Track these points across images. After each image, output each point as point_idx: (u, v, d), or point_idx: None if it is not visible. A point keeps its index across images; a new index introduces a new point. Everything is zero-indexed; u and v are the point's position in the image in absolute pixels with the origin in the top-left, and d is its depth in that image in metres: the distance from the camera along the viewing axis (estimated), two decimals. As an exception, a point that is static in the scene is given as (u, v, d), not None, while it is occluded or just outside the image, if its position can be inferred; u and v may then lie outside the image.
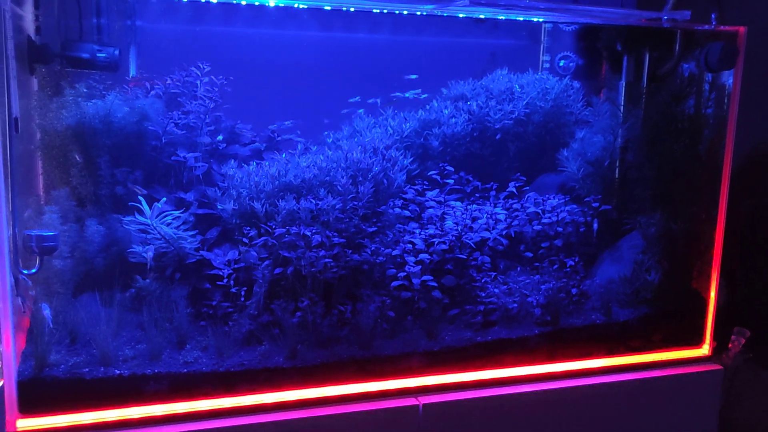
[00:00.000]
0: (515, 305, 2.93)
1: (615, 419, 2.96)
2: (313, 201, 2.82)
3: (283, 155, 3.11)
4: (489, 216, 3.11)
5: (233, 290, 2.72)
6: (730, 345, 3.39)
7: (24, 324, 2.57)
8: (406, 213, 3.04)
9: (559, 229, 3.15)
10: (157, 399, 2.46)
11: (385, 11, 2.91)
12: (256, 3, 2.67)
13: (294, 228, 2.75)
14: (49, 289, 2.61)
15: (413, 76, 3.51)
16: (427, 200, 3.15)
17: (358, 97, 3.45)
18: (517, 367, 2.87)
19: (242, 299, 2.71)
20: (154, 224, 2.72)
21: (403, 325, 2.83)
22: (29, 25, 2.75)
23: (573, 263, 3.09)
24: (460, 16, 2.95)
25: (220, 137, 3.14)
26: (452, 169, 3.32)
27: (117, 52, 2.79)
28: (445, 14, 2.87)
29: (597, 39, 3.45)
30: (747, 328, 3.40)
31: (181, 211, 2.84)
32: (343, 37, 3.40)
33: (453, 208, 3.14)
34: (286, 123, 3.37)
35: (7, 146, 2.33)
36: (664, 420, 3.03)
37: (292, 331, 2.64)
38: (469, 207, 3.15)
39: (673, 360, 3.11)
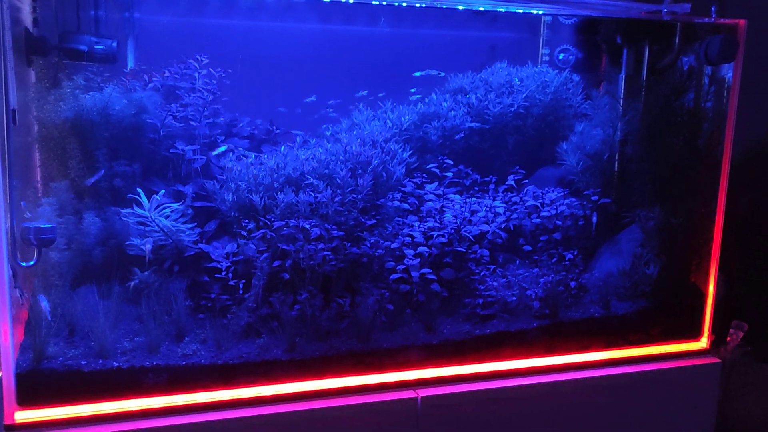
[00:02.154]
0: (514, 298, 2.93)
1: (613, 412, 2.96)
2: (312, 194, 2.81)
3: (282, 148, 3.11)
4: (488, 209, 3.11)
5: (232, 283, 2.72)
6: (728, 338, 3.40)
7: (22, 316, 2.56)
8: (405, 206, 3.04)
9: (558, 222, 3.15)
10: (156, 391, 2.46)
11: (384, 3, 2.89)
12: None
13: (293, 221, 2.74)
14: (47, 281, 2.61)
15: (417, 73, 3.50)
16: (426, 193, 3.15)
17: (313, 97, 3.41)
18: (516, 360, 2.88)
19: (241, 292, 2.71)
20: (153, 217, 2.72)
21: (401, 318, 2.83)
22: (27, 17, 2.73)
23: (572, 256, 3.09)
24: (460, 8, 2.94)
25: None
26: (451, 162, 3.32)
27: (115, 44, 2.78)
28: (444, 6, 2.86)
29: (596, 32, 3.45)
30: (745, 321, 3.41)
31: (180, 203, 2.83)
32: (341, 29, 3.39)
33: (452, 201, 3.14)
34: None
35: (5, 138, 2.33)
36: (662, 413, 3.03)
37: (290, 324, 2.64)
38: (468, 200, 3.15)
39: (671, 353, 3.11)
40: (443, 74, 3.49)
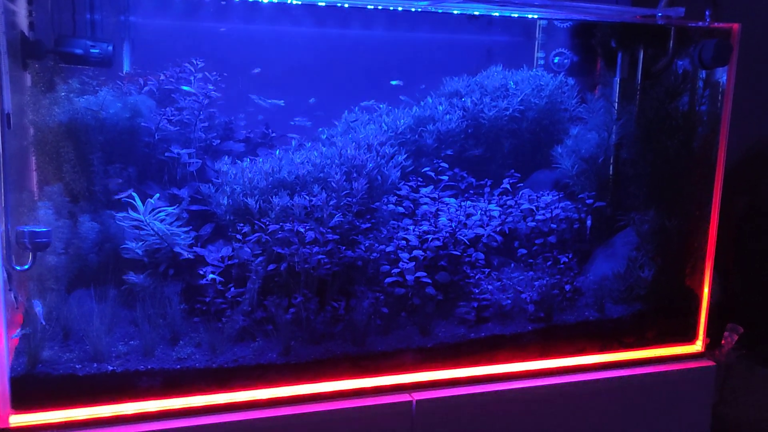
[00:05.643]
0: (509, 302, 2.94)
1: (608, 415, 2.97)
2: (307, 197, 2.82)
3: (277, 152, 3.11)
4: (483, 212, 3.11)
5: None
6: (723, 341, 3.41)
7: (17, 320, 2.56)
8: (400, 209, 3.04)
9: (553, 225, 3.15)
10: (150, 395, 2.46)
11: (379, 7, 2.90)
12: (250, -1, 2.67)
13: (288, 224, 2.75)
14: (42, 285, 2.61)
15: (394, 82, 3.51)
16: (421, 197, 3.15)
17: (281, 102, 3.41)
18: (511, 363, 2.88)
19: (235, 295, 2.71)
20: (148, 220, 2.72)
21: (396, 321, 2.83)
22: (22, 21, 2.74)
23: (566, 260, 3.10)
24: (455, 12, 2.95)
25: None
26: (446, 165, 3.32)
27: (110, 48, 2.78)
28: (439, 11, 2.87)
29: (592, 36, 3.45)
30: (740, 324, 3.42)
31: (175, 207, 2.83)
32: (336, 33, 3.40)
33: (447, 204, 3.14)
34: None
35: (-1, 142, 2.33)
36: (657, 416, 3.04)
37: (285, 328, 2.64)
38: (463, 203, 3.16)
39: (666, 356, 3.12)
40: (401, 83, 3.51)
